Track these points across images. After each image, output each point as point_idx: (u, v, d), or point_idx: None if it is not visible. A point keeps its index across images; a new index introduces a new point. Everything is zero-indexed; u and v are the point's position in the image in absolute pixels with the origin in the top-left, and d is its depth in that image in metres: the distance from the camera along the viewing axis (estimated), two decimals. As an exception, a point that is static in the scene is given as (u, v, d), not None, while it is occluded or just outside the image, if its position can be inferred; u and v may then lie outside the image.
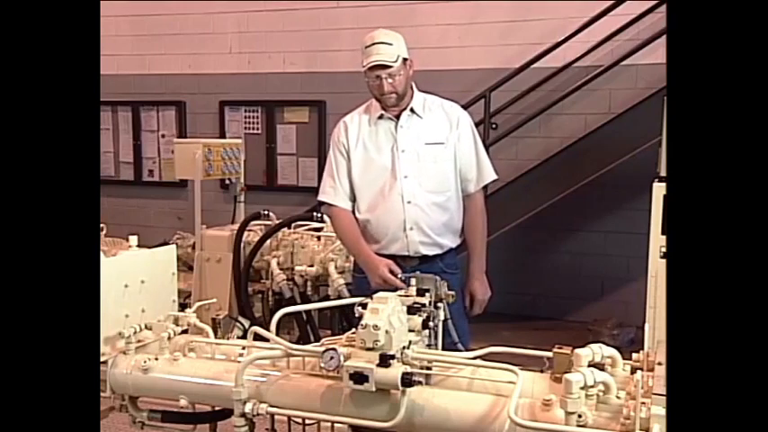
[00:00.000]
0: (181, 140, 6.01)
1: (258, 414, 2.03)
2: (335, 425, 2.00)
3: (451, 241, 3.22)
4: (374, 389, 1.82)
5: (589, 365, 1.71)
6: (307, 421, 2.25)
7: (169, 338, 2.28)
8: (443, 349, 2.23)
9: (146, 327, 2.32)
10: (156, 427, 2.33)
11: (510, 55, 6.43)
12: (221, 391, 2.09)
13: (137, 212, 7.95)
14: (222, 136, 7.49)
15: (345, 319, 4.03)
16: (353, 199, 3.25)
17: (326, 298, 4.34)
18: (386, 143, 3.18)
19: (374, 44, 3.06)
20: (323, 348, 1.91)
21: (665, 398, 1.43)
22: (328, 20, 7.17)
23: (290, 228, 4.70)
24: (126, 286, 2.30)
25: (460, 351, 2.61)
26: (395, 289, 2.21)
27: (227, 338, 4.13)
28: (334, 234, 3.96)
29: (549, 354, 1.87)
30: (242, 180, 5.56)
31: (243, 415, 2.02)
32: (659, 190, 3.44)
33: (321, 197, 3.31)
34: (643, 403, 1.58)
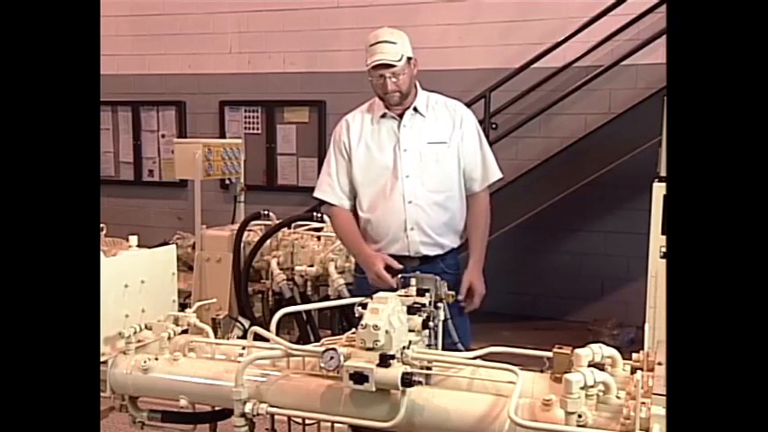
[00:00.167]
0: (181, 140, 6.01)
1: (258, 414, 2.02)
2: (335, 425, 2.00)
3: (453, 241, 3.22)
4: (374, 389, 1.82)
5: (589, 365, 1.71)
6: (307, 421, 2.25)
7: (169, 338, 2.28)
8: (443, 349, 2.23)
9: (146, 327, 2.32)
10: (156, 427, 2.33)
11: (510, 55, 6.43)
12: (221, 391, 2.09)
13: (137, 212, 7.95)
14: (222, 136, 7.49)
15: (345, 319, 4.03)
16: (351, 197, 3.24)
17: (326, 298, 4.35)
18: (388, 142, 3.17)
19: (378, 43, 3.04)
20: (323, 348, 1.91)
21: (665, 398, 1.43)
22: (328, 20, 7.17)
23: (290, 228, 4.70)
24: (126, 286, 2.30)
25: (460, 351, 2.61)
26: (395, 289, 2.21)
27: (227, 338, 4.13)
28: (334, 234, 3.96)
29: (549, 354, 1.87)
30: (242, 180, 5.57)
31: (243, 415, 2.02)
32: (659, 190, 3.45)
33: (317, 193, 3.30)
34: (643, 403, 1.58)
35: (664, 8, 5.62)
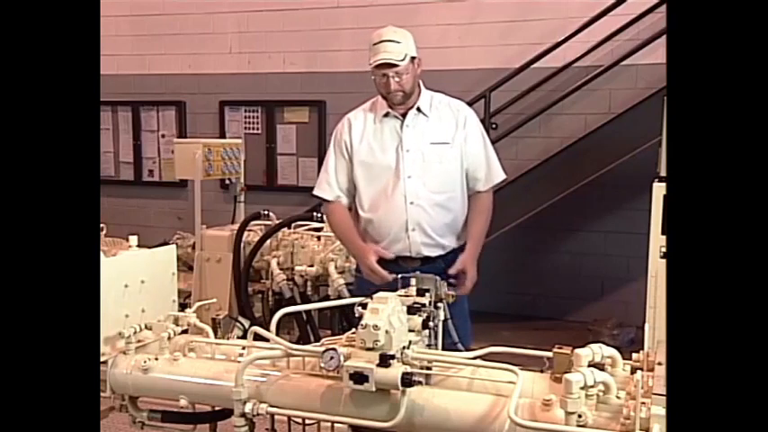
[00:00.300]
0: (181, 140, 6.02)
1: (258, 414, 2.03)
2: (335, 425, 2.00)
3: (454, 242, 3.21)
4: (374, 389, 1.82)
5: (589, 365, 1.71)
6: (307, 421, 2.25)
7: (169, 338, 2.28)
8: (443, 349, 2.23)
9: (146, 327, 2.32)
10: (156, 427, 2.33)
11: (510, 55, 6.43)
12: (221, 391, 2.09)
13: (137, 212, 7.95)
14: (222, 136, 7.49)
15: (345, 319, 4.04)
16: (349, 195, 3.24)
17: (326, 298, 4.35)
18: (391, 142, 3.16)
19: (382, 42, 3.02)
20: (323, 348, 1.91)
21: (665, 398, 1.43)
22: (328, 20, 7.17)
23: (290, 228, 4.70)
24: (126, 286, 2.30)
25: (460, 351, 2.61)
26: (395, 288, 2.21)
27: (227, 338, 4.13)
28: (333, 234, 3.96)
29: (549, 354, 1.87)
30: (242, 180, 5.57)
31: (243, 415, 2.02)
32: (659, 190, 3.45)
33: (316, 191, 3.29)
34: (643, 403, 1.58)
35: (664, 8, 5.62)
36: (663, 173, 3.53)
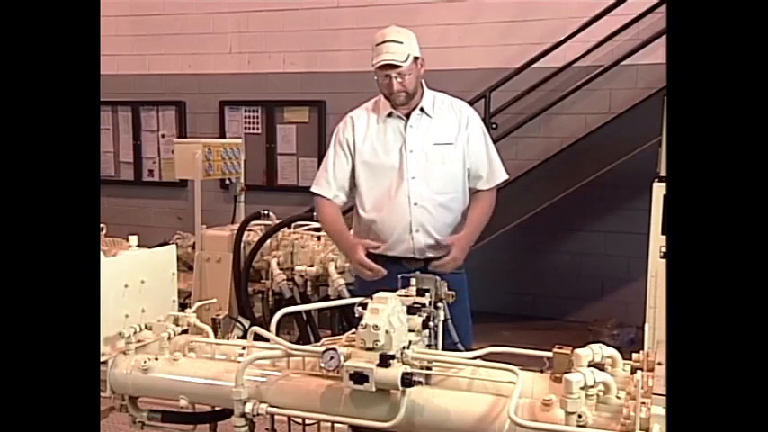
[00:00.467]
0: (181, 140, 6.02)
1: (258, 414, 2.02)
2: (335, 425, 2.00)
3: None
4: (374, 389, 1.82)
5: (589, 365, 1.71)
6: (307, 421, 2.25)
7: (169, 338, 2.28)
8: (443, 349, 2.23)
9: (146, 327, 2.32)
10: (156, 427, 2.33)
11: (510, 55, 6.43)
12: (221, 391, 2.09)
13: (137, 212, 7.95)
14: (222, 136, 7.49)
15: (345, 319, 4.04)
16: (346, 194, 3.23)
17: (326, 298, 4.35)
18: (394, 143, 3.16)
19: (385, 42, 3.01)
20: (323, 348, 1.91)
21: (665, 398, 1.43)
22: (328, 20, 7.17)
23: (290, 228, 4.71)
24: (126, 286, 2.30)
25: (460, 351, 2.61)
26: (395, 288, 2.21)
27: (227, 338, 4.13)
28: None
29: (549, 354, 1.87)
30: (242, 180, 5.57)
31: (243, 415, 2.02)
32: (659, 190, 3.45)
33: (314, 188, 3.28)
34: (643, 403, 1.58)
35: (664, 8, 5.62)
36: (663, 173, 3.53)
